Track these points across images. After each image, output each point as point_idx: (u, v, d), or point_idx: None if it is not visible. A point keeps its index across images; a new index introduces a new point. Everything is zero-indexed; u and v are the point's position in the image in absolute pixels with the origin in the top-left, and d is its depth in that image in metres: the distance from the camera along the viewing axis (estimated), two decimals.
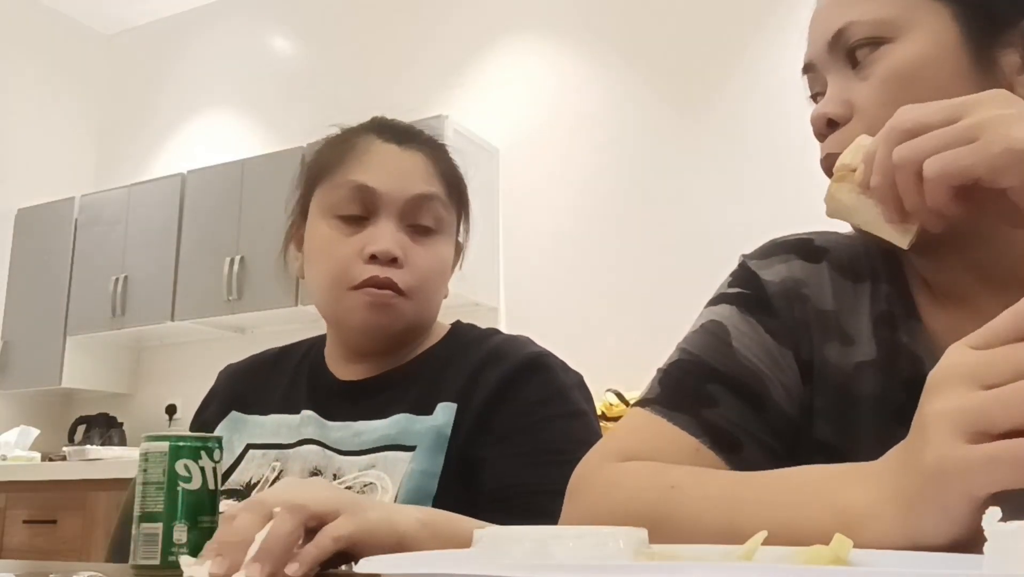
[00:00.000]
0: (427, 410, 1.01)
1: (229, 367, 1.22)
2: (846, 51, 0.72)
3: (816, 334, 0.73)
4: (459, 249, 1.15)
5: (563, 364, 1.05)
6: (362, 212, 1.04)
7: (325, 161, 1.09)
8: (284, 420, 1.09)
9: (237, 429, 1.12)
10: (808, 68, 0.77)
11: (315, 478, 0.99)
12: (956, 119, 0.57)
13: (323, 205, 1.06)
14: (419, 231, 1.04)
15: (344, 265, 1.02)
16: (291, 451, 1.05)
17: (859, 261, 0.76)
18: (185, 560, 0.70)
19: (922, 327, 0.71)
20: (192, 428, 1.19)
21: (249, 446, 1.09)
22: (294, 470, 1.03)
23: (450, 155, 1.13)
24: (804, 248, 0.77)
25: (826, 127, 0.72)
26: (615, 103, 3.88)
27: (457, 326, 1.14)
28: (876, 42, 0.70)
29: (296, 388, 1.13)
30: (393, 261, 1.01)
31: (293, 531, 0.65)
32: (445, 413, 1.00)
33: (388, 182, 1.03)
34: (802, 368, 0.72)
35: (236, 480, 1.06)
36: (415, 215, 1.04)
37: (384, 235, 1.01)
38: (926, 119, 0.59)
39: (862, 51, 0.71)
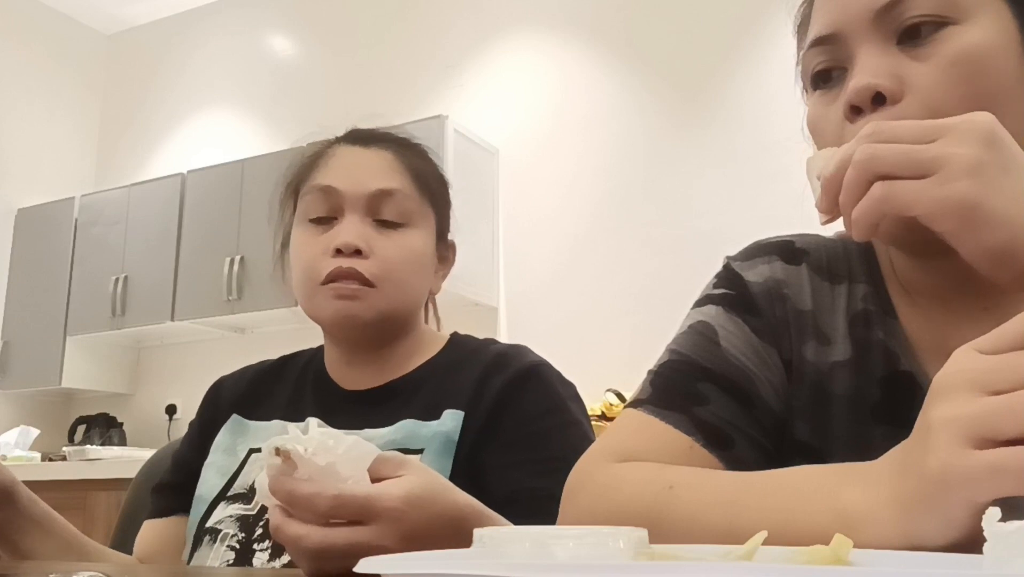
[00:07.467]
0: (433, 416, 1.02)
1: (223, 378, 1.22)
2: (899, 24, 0.66)
3: (795, 334, 0.74)
4: (451, 247, 1.17)
5: (560, 375, 1.09)
6: (330, 213, 1.07)
7: (298, 172, 1.13)
8: (287, 426, 1.10)
9: (240, 433, 1.13)
10: (827, 39, 0.69)
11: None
12: (930, 140, 0.56)
13: (299, 213, 1.10)
14: (386, 225, 1.07)
15: (313, 263, 1.05)
16: None
17: (837, 263, 0.77)
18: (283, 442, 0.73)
19: (899, 324, 0.72)
20: (195, 430, 1.18)
21: (251, 450, 1.10)
22: None
23: (425, 153, 1.16)
24: (785, 250, 0.78)
25: (870, 102, 0.65)
26: (615, 103, 3.88)
27: (455, 336, 1.17)
28: (941, 21, 0.65)
29: (301, 395, 1.14)
30: (357, 253, 1.04)
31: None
32: (453, 420, 1.01)
33: (350, 180, 1.07)
34: (785, 367, 0.73)
35: (241, 484, 1.07)
36: (379, 210, 1.07)
37: (347, 229, 1.05)
38: (901, 131, 0.57)
39: (926, 28, 0.65)
